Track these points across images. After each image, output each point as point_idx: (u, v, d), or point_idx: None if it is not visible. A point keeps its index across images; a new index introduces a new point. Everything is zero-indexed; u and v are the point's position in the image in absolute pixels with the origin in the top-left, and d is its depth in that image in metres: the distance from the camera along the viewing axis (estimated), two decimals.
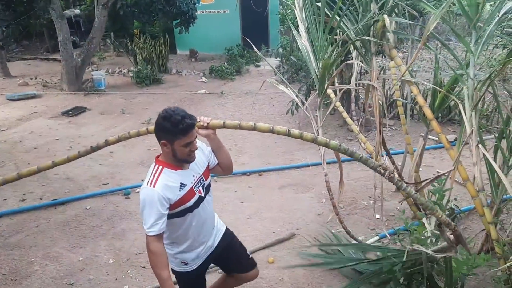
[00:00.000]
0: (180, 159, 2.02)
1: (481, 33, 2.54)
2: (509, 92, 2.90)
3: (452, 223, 1.74)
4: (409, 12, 3.26)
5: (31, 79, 9.78)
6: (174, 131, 1.90)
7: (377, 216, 3.82)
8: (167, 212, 1.98)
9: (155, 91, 8.80)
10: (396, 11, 3.19)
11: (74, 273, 3.31)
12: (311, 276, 3.16)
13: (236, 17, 11.77)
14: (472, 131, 2.47)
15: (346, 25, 3.23)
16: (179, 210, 2.05)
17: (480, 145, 2.46)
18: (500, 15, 2.42)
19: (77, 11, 13.76)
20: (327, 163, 3.42)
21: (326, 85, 3.03)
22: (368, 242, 3.42)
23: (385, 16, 2.80)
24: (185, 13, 9.57)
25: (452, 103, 2.98)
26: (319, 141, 1.42)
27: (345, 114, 3.61)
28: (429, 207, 1.58)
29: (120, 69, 10.66)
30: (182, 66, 11.02)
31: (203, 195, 2.15)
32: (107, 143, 2.47)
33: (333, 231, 3.67)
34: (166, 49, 10.33)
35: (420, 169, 3.62)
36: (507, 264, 2.28)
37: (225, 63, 10.51)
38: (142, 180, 4.83)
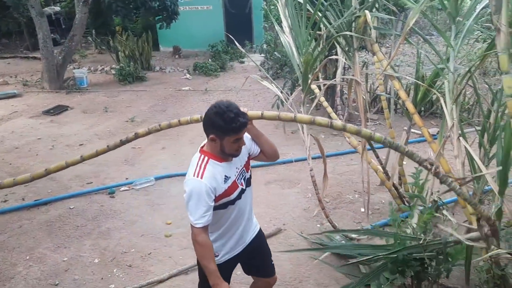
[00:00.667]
0: (228, 154, 1.99)
1: (461, 27, 2.58)
2: (489, 85, 2.95)
3: (492, 218, 1.77)
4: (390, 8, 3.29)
5: (11, 77, 9.60)
6: (226, 129, 1.87)
7: (362, 209, 3.86)
8: (213, 204, 1.95)
9: (138, 89, 8.72)
10: (377, 6, 3.22)
11: (58, 273, 3.27)
12: (298, 271, 3.18)
13: (219, 13, 11.73)
14: (454, 124, 2.50)
15: (328, 21, 3.25)
16: (222, 203, 2.03)
17: (461, 138, 2.50)
18: (478, 10, 2.46)
19: (57, 8, 13.54)
20: (312, 159, 3.43)
21: (309, 81, 3.05)
22: (353, 235, 3.45)
23: (367, 11, 2.82)
24: (168, 8, 9.49)
25: (434, 97, 3.03)
26: (364, 133, 1.39)
27: (329, 109, 3.63)
28: (472, 202, 1.60)
29: (103, 66, 10.53)
30: (165, 63, 10.94)
31: (244, 187, 2.14)
32: (136, 136, 2.35)
33: (318, 225, 3.70)
34: (149, 46, 10.24)
35: (404, 162, 3.67)
36: (489, 254, 2.33)
37: (209, 60, 10.46)
38: (126, 178, 4.88)
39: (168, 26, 9.98)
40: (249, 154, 2.20)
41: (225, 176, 2.00)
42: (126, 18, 9.52)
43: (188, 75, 9.68)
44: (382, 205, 3.97)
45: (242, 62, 10.90)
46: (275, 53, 8.38)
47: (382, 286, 2.30)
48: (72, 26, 8.88)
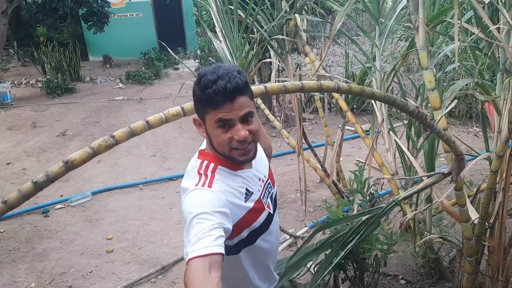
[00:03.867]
0: (220, 153, 1.24)
1: (384, 28, 2.73)
2: (413, 81, 3.14)
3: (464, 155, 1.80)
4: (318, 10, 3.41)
5: None
6: (201, 100, 1.19)
7: (305, 207, 3.95)
8: (229, 227, 1.14)
9: (68, 101, 8.32)
10: (306, 9, 3.32)
11: None
12: None
13: (150, 20, 11.50)
14: (383, 119, 2.64)
15: (260, 25, 3.30)
16: (239, 240, 1.28)
17: (391, 132, 2.64)
18: (398, 10, 2.61)
19: None
20: None
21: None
22: (297, 233, 3.52)
23: (297, 15, 2.90)
24: (96, 13, 9.14)
25: None
26: (367, 92, 1.37)
27: (267, 111, 3.69)
28: (449, 139, 1.64)
29: (27, 80, 9.92)
30: (96, 73, 10.54)
31: (271, 211, 1.39)
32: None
33: None
34: (77, 56, 9.81)
35: (341, 158, 3.80)
36: (423, 240, 2.48)
37: (143, 68, 10.23)
38: (61, 195, 4.64)
39: (101, 30, 9.61)
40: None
41: (247, 190, 1.28)
42: (51, 28, 9.04)
43: (121, 85, 9.39)
44: (323, 202, 4.09)
45: (177, 69, 10.77)
46: (209, 58, 8.38)
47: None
48: None
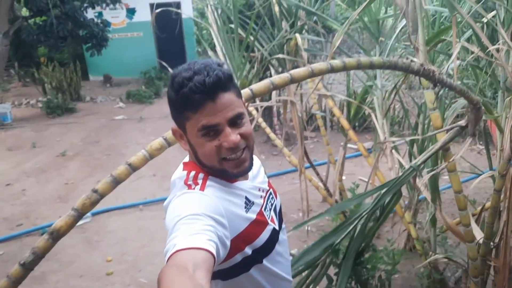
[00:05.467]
0: (209, 167, 1.04)
1: (384, 46, 2.74)
2: (414, 99, 3.14)
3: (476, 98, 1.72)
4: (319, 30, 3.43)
5: None
6: (177, 102, 1.00)
7: (307, 228, 3.90)
8: (223, 235, 0.92)
9: (68, 121, 8.32)
10: (307, 28, 3.34)
11: None
12: None
13: (151, 39, 11.61)
14: (385, 137, 2.62)
15: (261, 44, 3.31)
16: (238, 262, 1.06)
17: (393, 150, 2.62)
18: (398, 30, 2.63)
19: None
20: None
21: (246, 103, 3.07)
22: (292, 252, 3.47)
23: (297, 35, 2.92)
24: (96, 35, 9.23)
25: (366, 112, 3.17)
26: (363, 63, 1.30)
27: (268, 130, 3.68)
28: (462, 90, 1.58)
29: (28, 100, 9.95)
30: (96, 93, 10.57)
31: (276, 226, 1.17)
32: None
33: None
34: (77, 76, 9.86)
35: (344, 177, 3.77)
36: (428, 260, 2.43)
37: (143, 87, 10.27)
38: (60, 217, 4.55)
39: (99, 53, 9.70)
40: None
41: (246, 199, 1.08)
42: (52, 48, 9.11)
43: (121, 104, 9.42)
44: (326, 221, 4.04)
45: None
46: None
47: None
48: None
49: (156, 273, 2.60)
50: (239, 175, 1.05)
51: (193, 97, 0.94)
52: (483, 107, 1.75)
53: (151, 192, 4.95)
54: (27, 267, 1.06)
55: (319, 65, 1.31)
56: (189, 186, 1.02)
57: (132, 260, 3.63)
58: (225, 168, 1.02)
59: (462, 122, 1.82)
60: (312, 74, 1.28)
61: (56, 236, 1.07)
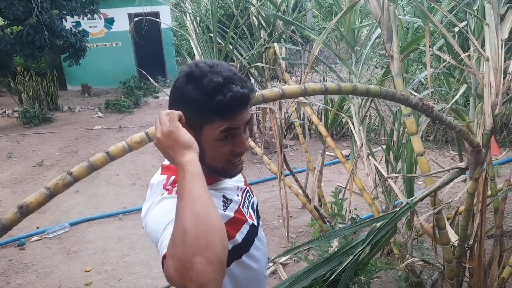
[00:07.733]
0: (214, 168, 1.07)
1: (360, 56, 2.81)
2: (389, 106, 3.22)
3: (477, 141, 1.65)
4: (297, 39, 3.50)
5: None
6: (206, 106, 0.95)
7: (287, 234, 3.93)
8: None
9: (46, 131, 8.19)
10: (285, 37, 3.40)
11: None
12: None
13: (130, 49, 11.56)
14: (362, 144, 2.68)
15: (240, 53, 3.35)
16: None
17: (370, 157, 2.68)
18: (373, 39, 2.70)
19: None
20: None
21: None
22: (280, 261, 3.49)
23: (275, 44, 2.97)
24: (74, 45, 9.14)
25: (344, 120, 3.24)
26: (360, 89, 1.27)
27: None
28: (462, 130, 1.52)
29: (3, 110, 9.75)
30: (74, 103, 10.45)
31: (255, 222, 1.24)
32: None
33: None
34: (55, 86, 9.72)
35: (322, 184, 3.83)
36: (405, 263, 2.49)
37: (122, 96, 10.20)
38: (37, 227, 4.51)
39: (76, 63, 9.60)
40: None
41: (224, 197, 1.13)
42: (29, 58, 8.97)
43: (100, 114, 9.32)
44: (305, 228, 4.08)
45: (157, 97, 10.77)
46: None
47: None
48: None
49: (135, 282, 2.60)
50: (235, 175, 1.12)
51: (230, 106, 0.95)
52: (483, 150, 1.74)
53: (130, 202, 4.91)
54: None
55: (313, 85, 1.28)
56: (169, 191, 1.06)
57: (112, 269, 3.59)
58: (225, 169, 1.07)
59: (462, 164, 1.82)
60: (305, 93, 1.27)
61: (25, 211, 1.04)
